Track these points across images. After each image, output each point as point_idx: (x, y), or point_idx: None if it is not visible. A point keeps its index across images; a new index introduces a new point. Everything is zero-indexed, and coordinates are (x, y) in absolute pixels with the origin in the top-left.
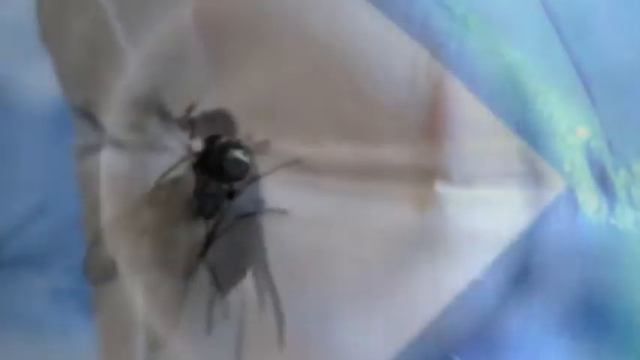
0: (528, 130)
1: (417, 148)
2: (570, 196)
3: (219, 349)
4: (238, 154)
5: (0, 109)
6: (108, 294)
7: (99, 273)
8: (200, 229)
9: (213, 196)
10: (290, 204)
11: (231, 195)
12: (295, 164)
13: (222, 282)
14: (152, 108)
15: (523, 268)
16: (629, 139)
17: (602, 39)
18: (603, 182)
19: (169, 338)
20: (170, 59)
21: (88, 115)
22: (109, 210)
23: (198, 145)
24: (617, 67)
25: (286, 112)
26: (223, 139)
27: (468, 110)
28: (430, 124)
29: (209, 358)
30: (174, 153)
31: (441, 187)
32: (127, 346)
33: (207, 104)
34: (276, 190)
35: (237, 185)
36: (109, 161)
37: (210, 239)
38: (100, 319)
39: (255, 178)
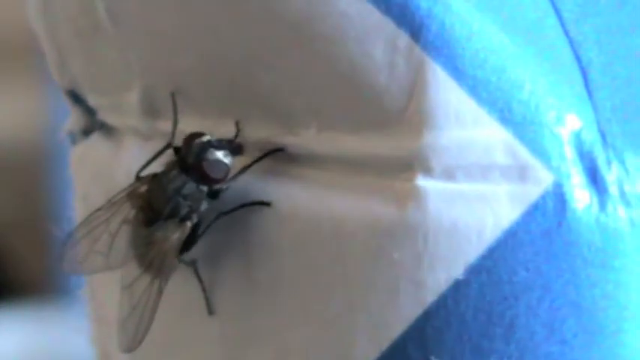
0: (513, 120)
1: (395, 138)
2: (558, 192)
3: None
4: (219, 154)
5: None
6: (94, 287)
7: (74, 263)
8: (177, 230)
9: (190, 197)
10: (273, 196)
11: (213, 196)
12: (278, 152)
13: (204, 278)
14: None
15: (508, 268)
16: (625, 131)
17: (607, 22)
18: (594, 177)
19: (142, 337)
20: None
21: (77, 98)
22: (94, 198)
23: (179, 138)
24: (620, 54)
25: (262, 99)
26: (204, 138)
27: (450, 98)
28: (409, 111)
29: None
30: (159, 140)
31: (421, 181)
32: (113, 342)
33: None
34: (258, 182)
35: (217, 187)
36: (96, 146)
37: (188, 242)
38: (90, 312)
39: (238, 175)
